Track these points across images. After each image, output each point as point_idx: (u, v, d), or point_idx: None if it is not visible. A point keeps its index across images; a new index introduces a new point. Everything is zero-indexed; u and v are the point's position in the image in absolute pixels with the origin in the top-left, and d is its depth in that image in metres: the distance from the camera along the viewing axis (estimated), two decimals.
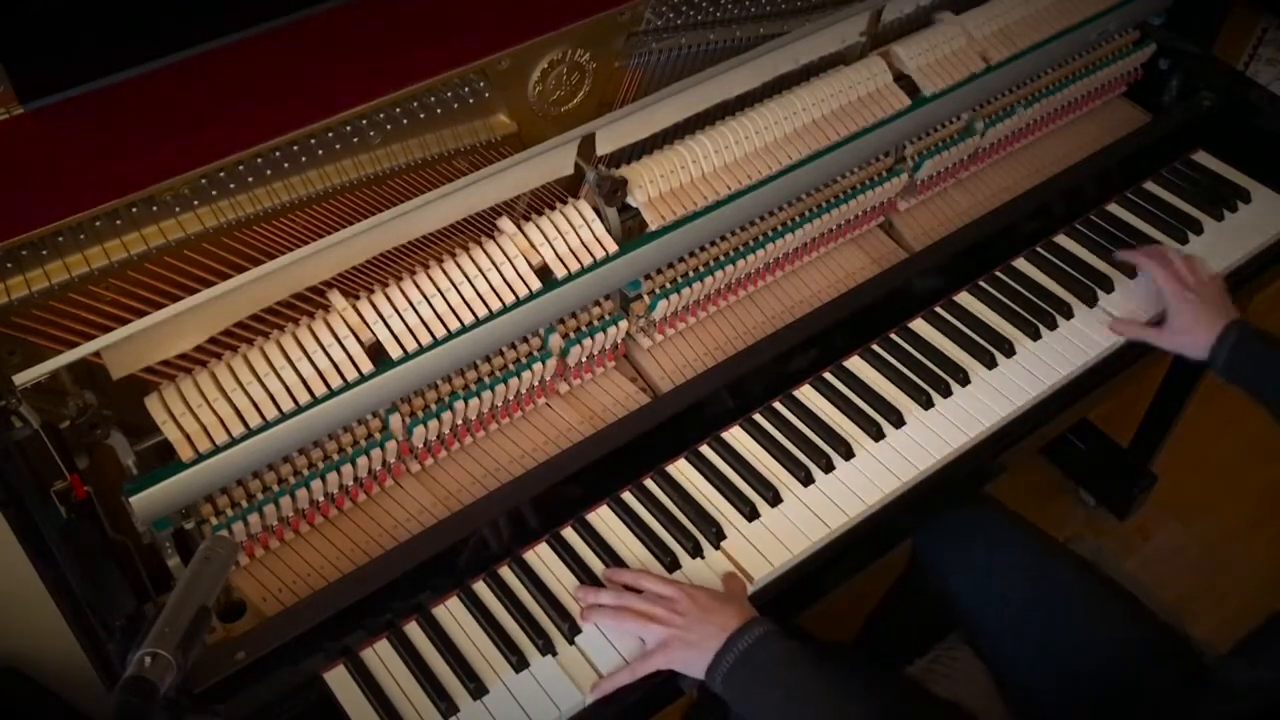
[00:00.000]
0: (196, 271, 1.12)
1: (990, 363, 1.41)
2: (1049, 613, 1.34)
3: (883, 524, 1.28)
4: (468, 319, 1.18)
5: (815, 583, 1.25)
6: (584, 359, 1.33)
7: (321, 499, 1.19)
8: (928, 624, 1.48)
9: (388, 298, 1.16)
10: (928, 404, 1.36)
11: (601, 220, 1.26)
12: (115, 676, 0.95)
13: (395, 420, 1.19)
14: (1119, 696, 1.27)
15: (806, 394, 1.37)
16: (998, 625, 1.36)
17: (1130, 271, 1.52)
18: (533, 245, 1.23)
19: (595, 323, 1.31)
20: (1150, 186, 1.66)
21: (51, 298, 1.05)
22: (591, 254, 1.25)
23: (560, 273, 1.23)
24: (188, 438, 1.07)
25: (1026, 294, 1.49)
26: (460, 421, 1.25)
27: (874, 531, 1.27)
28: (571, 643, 1.14)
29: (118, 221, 1.07)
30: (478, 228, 1.26)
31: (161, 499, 1.05)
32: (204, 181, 1.10)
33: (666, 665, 1.10)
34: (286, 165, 1.15)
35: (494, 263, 1.20)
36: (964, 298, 1.49)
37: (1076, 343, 1.44)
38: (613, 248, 1.26)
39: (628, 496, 1.26)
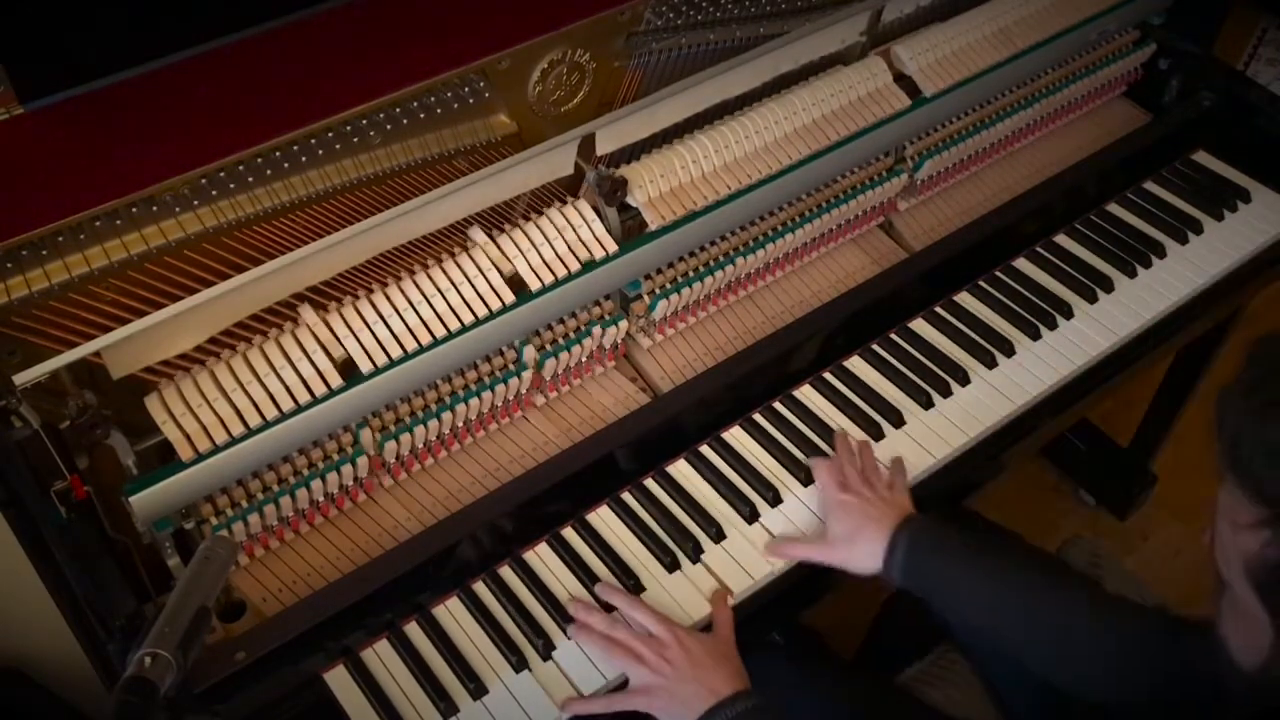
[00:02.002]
0: (196, 271, 1.12)
1: (990, 363, 1.41)
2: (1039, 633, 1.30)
3: None
4: (468, 319, 1.18)
5: (815, 583, 1.25)
6: (583, 359, 1.33)
7: (322, 499, 1.19)
8: (926, 628, 1.47)
9: (387, 298, 1.16)
10: (928, 404, 1.36)
11: (601, 220, 1.26)
12: (115, 676, 0.95)
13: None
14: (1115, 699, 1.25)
15: (806, 394, 1.37)
16: (988, 646, 1.34)
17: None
18: (533, 244, 1.23)
19: (595, 323, 1.31)
20: (1150, 186, 1.66)
21: (51, 298, 1.05)
22: (591, 254, 1.25)
23: (560, 272, 1.23)
24: (188, 438, 1.07)
25: (1026, 294, 1.49)
26: (461, 422, 1.25)
27: None
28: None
29: (118, 221, 1.07)
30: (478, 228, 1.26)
31: (161, 499, 1.05)
32: (204, 181, 1.10)
33: (647, 710, 1.07)
34: (286, 165, 1.15)
35: (493, 262, 1.20)
36: (964, 298, 1.49)
37: (1076, 343, 1.43)
38: (613, 248, 1.26)
39: (628, 496, 1.26)
